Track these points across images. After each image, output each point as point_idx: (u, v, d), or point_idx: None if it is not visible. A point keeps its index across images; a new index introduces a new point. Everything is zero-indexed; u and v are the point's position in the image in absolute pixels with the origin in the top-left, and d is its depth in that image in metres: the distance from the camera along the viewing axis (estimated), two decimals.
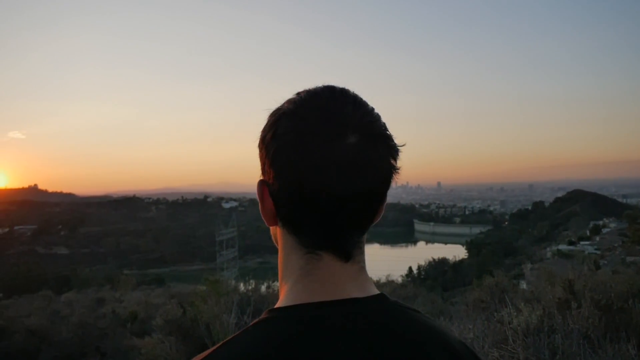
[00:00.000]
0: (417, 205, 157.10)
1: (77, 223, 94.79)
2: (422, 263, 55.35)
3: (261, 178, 0.74)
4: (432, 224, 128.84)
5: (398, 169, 0.73)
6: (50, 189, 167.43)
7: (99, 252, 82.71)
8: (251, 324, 0.69)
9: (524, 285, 13.48)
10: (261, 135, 0.73)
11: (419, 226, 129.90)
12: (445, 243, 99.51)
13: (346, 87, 0.75)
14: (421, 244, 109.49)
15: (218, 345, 0.67)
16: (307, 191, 0.67)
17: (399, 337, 0.68)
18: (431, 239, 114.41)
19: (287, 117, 0.70)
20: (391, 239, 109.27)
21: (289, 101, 0.73)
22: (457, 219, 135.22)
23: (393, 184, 0.71)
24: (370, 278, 0.77)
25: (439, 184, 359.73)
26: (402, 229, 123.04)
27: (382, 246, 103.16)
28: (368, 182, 0.68)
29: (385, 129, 0.73)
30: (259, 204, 0.75)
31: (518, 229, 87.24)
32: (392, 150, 0.72)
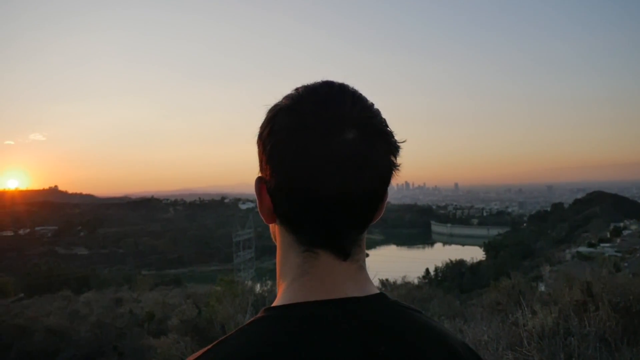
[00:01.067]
0: (434, 207, 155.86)
1: (96, 224, 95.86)
2: (440, 264, 54.93)
3: (259, 175, 0.72)
4: (449, 225, 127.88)
5: (398, 166, 0.72)
6: (70, 190, 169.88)
7: (118, 252, 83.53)
8: (247, 322, 0.68)
9: (542, 287, 13.34)
10: (259, 131, 0.72)
11: (436, 227, 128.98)
12: (463, 245, 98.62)
13: (345, 83, 0.74)
14: (438, 245, 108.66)
15: (213, 343, 0.66)
16: (303, 188, 0.66)
17: (396, 336, 0.67)
18: (448, 240, 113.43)
19: (284, 112, 0.69)
20: (408, 240, 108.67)
21: (287, 97, 0.71)
22: (475, 221, 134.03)
23: (396, 183, 0.73)
24: (369, 277, 0.75)
25: (456, 185, 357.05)
26: (419, 230, 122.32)
27: (399, 247, 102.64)
28: (366, 179, 0.67)
29: (385, 125, 0.71)
30: (257, 202, 0.74)
31: (537, 230, 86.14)
32: (391, 147, 0.70)
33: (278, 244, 0.75)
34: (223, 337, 0.67)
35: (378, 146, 0.68)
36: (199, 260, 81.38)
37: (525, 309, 4.05)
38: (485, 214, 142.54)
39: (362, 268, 0.73)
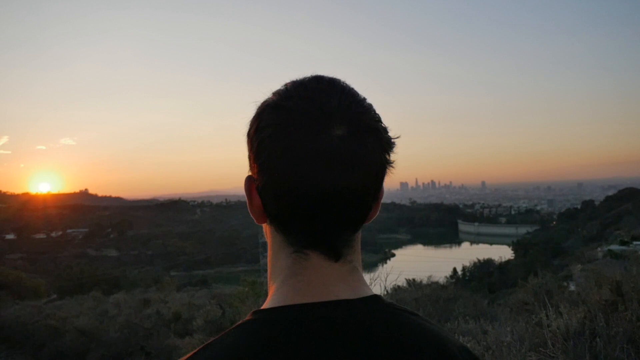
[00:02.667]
0: (460, 206, 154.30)
1: (125, 226, 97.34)
2: (467, 264, 54.31)
3: (249, 174, 0.70)
4: (476, 224, 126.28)
5: (392, 163, 0.70)
6: (100, 193, 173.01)
7: (147, 254, 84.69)
8: (234, 325, 0.66)
9: (572, 287, 13.06)
10: (248, 128, 0.70)
11: (463, 227, 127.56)
12: (491, 244, 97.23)
13: (336, 77, 0.71)
14: (465, 244, 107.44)
15: (199, 347, 0.65)
16: (290, 186, 0.63)
17: (388, 340, 0.64)
18: (476, 239, 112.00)
19: (271, 109, 0.67)
20: (435, 239, 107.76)
21: (275, 92, 0.69)
22: (503, 219, 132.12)
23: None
24: (364, 279, 0.72)
25: (483, 183, 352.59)
26: (445, 229, 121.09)
27: (426, 247, 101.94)
28: (356, 177, 0.64)
29: (377, 120, 0.68)
30: (247, 201, 0.71)
31: (567, 228, 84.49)
32: (383, 143, 0.68)
33: (269, 244, 0.73)
34: (210, 341, 0.65)
35: (368, 142, 0.65)
36: (225, 261, 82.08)
37: (550, 309, 3.97)
38: (513, 212, 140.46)
39: (355, 269, 0.71)
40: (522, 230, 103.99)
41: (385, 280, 8.07)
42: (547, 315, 3.89)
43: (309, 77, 0.70)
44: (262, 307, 0.68)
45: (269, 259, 0.74)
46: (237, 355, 0.61)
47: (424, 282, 14.12)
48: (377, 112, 0.70)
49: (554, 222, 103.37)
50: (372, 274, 8.49)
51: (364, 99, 0.69)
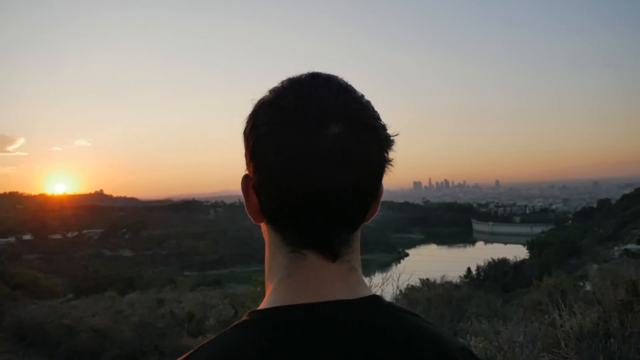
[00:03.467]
0: (474, 205, 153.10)
1: (140, 226, 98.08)
2: (481, 263, 53.95)
3: (246, 172, 0.69)
4: (490, 223, 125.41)
5: (390, 161, 0.68)
6: (115, 194, 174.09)
7: (161, 254, 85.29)
8: (230, 326, 0.65)
9: (588, 286, 12.92)
10: (244, 126, 0.68)
11: (477, 226, 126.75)
12: (505, 243, 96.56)
13: (334, 74, 0.69)
14: (480, 244, 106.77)
15: (194, 349, 0.64)
16: (286, 185, 0.62)
17: (386, 340, 0.63)
18: (490, 239, 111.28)
19: (266, 106, 0.66)
20: (448, 239, 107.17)
21: (271, 90, 0.68)
22: (517, 218, 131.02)
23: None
24: (363, 279, 0.71)
25: (497, 182, 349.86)
26: (459, 229, 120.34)
27: (439, 246, 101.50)
28: (352, 175, 0.63)
29: (375, 118, 0.67)
30: (244, 201, 0.71)
31: (582, 227, 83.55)
32: (380, 141, 0.66)
33: (266, 244, 0.72)
34: (205, 342, 0.65)
35: (365, 140, 0.64)
36: (239, 261, 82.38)
37: (564, 309, 3.93)
38: (528, 211, 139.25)
39: (354, 269, 0.70)
40: (537, 229, 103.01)
41: (398, 280, 8.06)
42: (560, 316, 3.85)
43: (305, 74, 0.68)
44: (258, 308, 0.67)
45: (266, 258, 0.72)
46: (233, 357, 0.60)
47: (438, 282, 14.07)
48: (377, 109, 0.69)
49: (570, 221, 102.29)
50: (385, 274, 8.48)
51: (362, 96, 0.68)
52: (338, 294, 0.65)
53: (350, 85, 0.68)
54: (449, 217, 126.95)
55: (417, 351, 0.64)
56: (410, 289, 12.22)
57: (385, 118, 0.66)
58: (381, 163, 0.67)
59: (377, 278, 8.40)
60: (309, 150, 0.61)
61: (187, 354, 0.63)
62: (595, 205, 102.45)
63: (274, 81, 0.67)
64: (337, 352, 0.61)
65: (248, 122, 0.68)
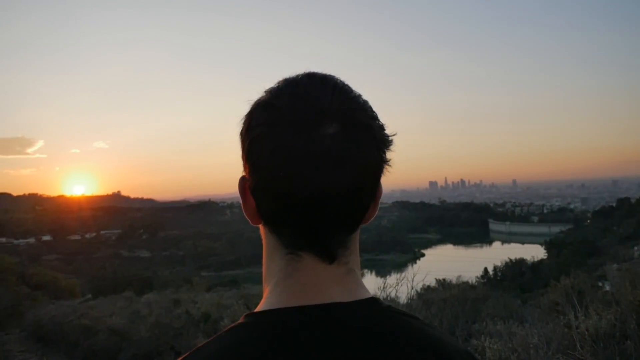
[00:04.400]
0: (491, 204, 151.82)
1: (157, 227, 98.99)
2: (499, 264, 53.48)
3: (243, 174, 0.68)
4: (508, 223, 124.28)
5: (388, 162, 0.67)
6: (132, 195, 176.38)
7: (178, 254, 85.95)
8: (226, 329, 0.65)
9: (607, 287, 12.74)
10: (241, 127, 0.68)
11: (494, 226, 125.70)
12: (523, 243, 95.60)
13: (331, 74, 0.68)
14: (497, 244, 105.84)
15: (190, 351, 0.64)
16: (281, 187, 0.62)
17: (382, 342, 0.62)
18: (507, 239, 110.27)
19: (261, 107, 0.65)
20: (465, 239, 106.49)
21: (267, 90, 0.67)
22: (535, 218, 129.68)
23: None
24: (361, 281, 0.70)
25: (514, 181, 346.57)
26: (476, 228, 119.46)
27: (456, 247, 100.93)
28: (349, 176, 0.62)
29: (372, 117, 0.66)
30: (241, 202, 0.70)
31: (602, 227, 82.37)
32: (377, 141, 0.65)
33: (264, 246, 0.72)
34: (200, 344, 0.65)
35: (362, 140, 0.63)
36: (255, 261, 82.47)
37: (579, 310, 3.88)
38: (545, 211, 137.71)
39: (352, 271, 0.69)
40: (555, 229, 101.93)
41: (412, 281, 8.01)
42: (575, 317, 3.80)
43: (301, 74, 0.68)
44: (255, 310, 0.66)
45: (264, 260, 0.72)
46: (228, 359, 0.60)
47: (454, 282, 13.97)
48: (375, 108, 0.68)
49: (588, 221, 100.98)
50: (400, 274, 8.44)
51: (359, 96, 0.67)
52: (335, 296, 0.65)
53: (346, 85, 0.67)
54: (465, 217, 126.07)
55: (415, 354, 0.63)
56: (427, 289, 12.15)
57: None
58: (378, 163, 0.66)
59: (392, 278, 8.37)
60: (305, 151, 0.60)
61: (183, 356, 0.63)
62: (614, 204, 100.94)
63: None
64: (332, 355, 0.60)
65: (244, 123, 0.67)
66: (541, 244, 75.06)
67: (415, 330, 0.66)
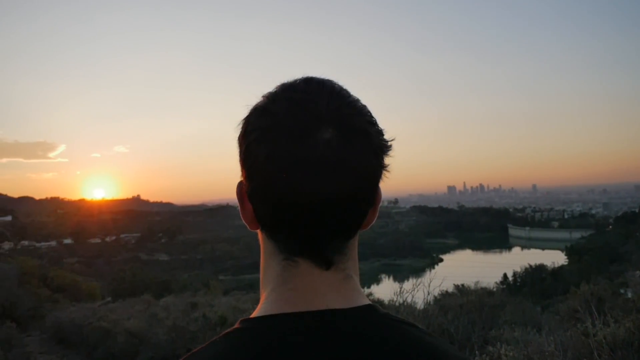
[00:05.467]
0: (511, 209, 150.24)
1: (175, 231, 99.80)
2: (518, 269, 52.84)
3: (241, 179, 0.68)
4: (527, 228, 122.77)
5: (386, 167, 0.67)
6: (152, 199, 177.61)
7: (196, 258, 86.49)
8: (221, 334, 0.65)
9: (629, 294, 12.53)
10: (238, 133, 0.68)
11: (513, 231, 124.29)
12: (543, 249, 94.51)
13: (330, 78, 0.68)
14: (516, 249, 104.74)
15: (185, 357, 0.64)
16: (276, 192, 0.61)
17: (377, 350, 0.61)
18: (527, 244, 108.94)
19: (257, 112, 0.65)
20: (484, 244, 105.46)
21: (264, 95, 0.67)
22: (555, 224, 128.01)
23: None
24: (359, 288, 0.70)
25: (534, 186, 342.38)
26: (495, 234, 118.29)
27: (475, 252, 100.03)
28: (344, 182, 0.61)
29: (370, 122, 0.65)
30: (239, 207, 0.70)
31: (624, 233, 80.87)
32: (374, 146, 0.64)
33: (261, 251, 0.72)
34: (195, 350, 0.64)
35: (358, 146, 0.62)
36: None
37: (597, 317, 3.81)
38: (566, 216, 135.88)
39: (349, 277, 0.68)
40: (576, 234, 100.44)
41: (429, 286, 7.98)
42: (593, 324, 3.74)
43: (299, 79, 0.67)
44: (251, 316, 0.66)
45: (261, 266, 0.72)
46: None
47: (472, 288, 13.85)
48: (374, 113, 0.67)
49: (610, 226, 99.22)
50: (417, 280, 8.40)
51: (357, 100, 0.66)
52: (331, 302, 0.64)
53: (344, 90, 0.67)
54: (484, 222, 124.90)
55: None
56: (445, 294, 12.08)
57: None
58: (375, 169, 0.65)
59: (409, 284, 8.34)
60: (300, 157, 0.60)
61: None
62: (637, 210, 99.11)
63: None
64: None
65: (241, 128, 0.67)
66: (562, 250, 73.91)
67: (412, 338, 0.65)
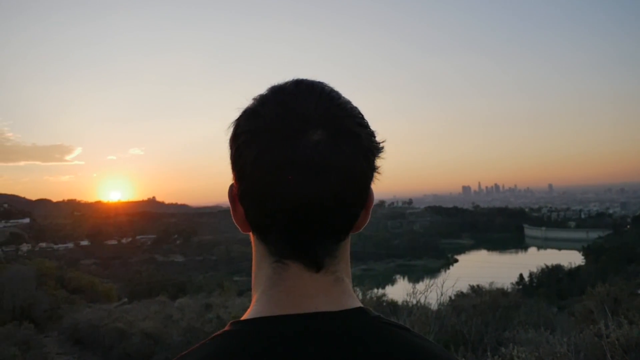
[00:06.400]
0: (526, 209, 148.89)
1: (191, 232, 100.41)
2: (534, 270, 52.34)
3: (232, 181, 0.68)
4: (543, 228, 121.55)
5: (377, 169, 0.66)
6: (167, 201, 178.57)
7: (211, 259, 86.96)
8: (211, 336, 0.65)
9: None
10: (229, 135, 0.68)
11: (529, 231, 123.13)
12: (559, 249, 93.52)
13: (321, 81, 0.68)
14: (532, 249, 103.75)
15: (175, 358, 0.64)
16: (265, 195, 0.61)
17: (367, 353, 0.61)
18: (543, 244, 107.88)
19: (247, 115, 0.65)
20: (499, 244, 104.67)
21: (254, 98, 0.67)
22: (572, 223, 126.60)
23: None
24: (350, 290, 0.69)
25: (550, 186, 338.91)
26: (510, 234, 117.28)
27: (490, 252, 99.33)
28: (333, 184, 0.60)
29: (360, 124, 0.65)
30: (231, 209, 0.70)
31: None
32: (364, 148, 0.64)
33: (253, 253, 0.71)
34: (185, 352, 0.65)
35: (347, 147, 0.62)
36: None
37: (611, 318, 3.77)
38: (583, 216, 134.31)
39: (340, 280, 0.67)
40: (593, 234, 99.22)
41: (442, 287, 7.95)
42: (606, 325, 3.70)
43: (289, 81, 0.67)
44: (241, 318, 0.66)
45: (253, 268, 0.72)
46: None
47: (487, 288, 13.75)
48: (364, 115, 0.67)
49: (628, 226, 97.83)
50: (431, 280, 8.37)
51: (347, 102, 0.66)
52: (321, 305, 0.64)
53: (335, 92, 0.66)
54: (499, 222, 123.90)
55: None
56: (460, 295, 12.02)
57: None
58: (365, 171, 0.64)
59: (424, 285, 8.32)
60: (287, 159, 0.60)
61: None
62: None
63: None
64: None
65: (231, 131, 0.67)
66: (579, 250, 73.12)
67: (402, 341, 0.64)
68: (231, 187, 0.69)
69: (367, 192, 0.66)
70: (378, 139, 0.67)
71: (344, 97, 0.67)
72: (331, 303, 0.65)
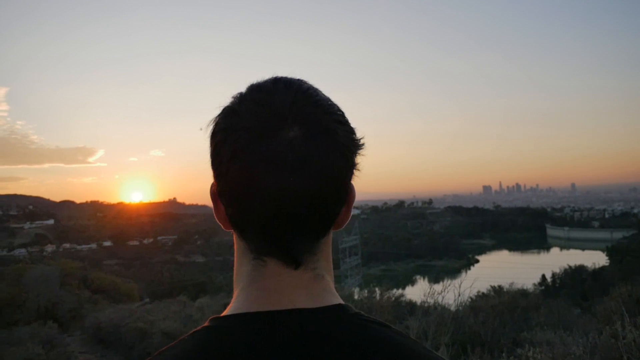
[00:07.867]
0: (549, 209, 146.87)
1: (211, 233, 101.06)
2: (557, 270, 51.59)
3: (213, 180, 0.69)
4: (566, 228, 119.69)
5: (355, 166, 0.66)
6: (187, 202, 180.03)
7: (231, 260, 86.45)
8: (189, 332, 0.66)
9: None
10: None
11: (551, 231, 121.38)
12: (583, 249, 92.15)
13: (300, 78, 0.68)
14: (555, 250, 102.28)
15: (153, 355, 0.65)
16: (241, 192, 0.61)
17: (344, 350, 0.60)
18: (566, 244, 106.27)
19: (225, 113, 0.66)
20: (521, 245, 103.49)
21: (233, 96, 0.67)
22: (596, 223, 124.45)
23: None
24: (330, 287, 0.69)
25: (573, 185, 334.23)
26: (532, 234, 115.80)
27: (512, 252, 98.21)
28: (308, 181, 0.60)
29: (336, 121, 0.64)
30: (213, 207, 0.70)
31: None
32: (341, 144, 0.63)
33: (235, 250, 0.72)
34: (164, 348, 0.66)
35: (322, 144, 0.61)
36: None
37: (628, 319, 3.72)
38: (607, 215, 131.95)
39: (320, 277, 0.68)
40: (618, 234, 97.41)
41: (459, 287, 7.88)
42: (623, 327, 3.66)
43: (267, 79, 0.68)
44: (221, 315, 0.67)
45: (234, 265, 0.73)
46: None
47: (506, 288, 13.60)
48: (343, 110, 0.67)
49: None
50: (451, 280, 8.32)
51: (325, 99, 0.66)
52: (298, 302, 0.64)
53: (313, 89, 0.66)
54: (521, 222, 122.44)
55: None
56: (481, 296, 11.91)
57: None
58: (341, 167, 0.63)
59: (440, 285, 8.26)
60: (262, 156, 0.60)
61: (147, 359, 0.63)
62: None
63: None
64: None
65: (210, 129, 0.67)
66: (603, 250, 71.86)
67: (381, 338, 0.63)
68: (212, 185, 0.69)
69: (345, 188, 0.66)
70: (359, 135, 0.66)
71: (322, 94, 0.66)
72: (310, 300, 0.65)
